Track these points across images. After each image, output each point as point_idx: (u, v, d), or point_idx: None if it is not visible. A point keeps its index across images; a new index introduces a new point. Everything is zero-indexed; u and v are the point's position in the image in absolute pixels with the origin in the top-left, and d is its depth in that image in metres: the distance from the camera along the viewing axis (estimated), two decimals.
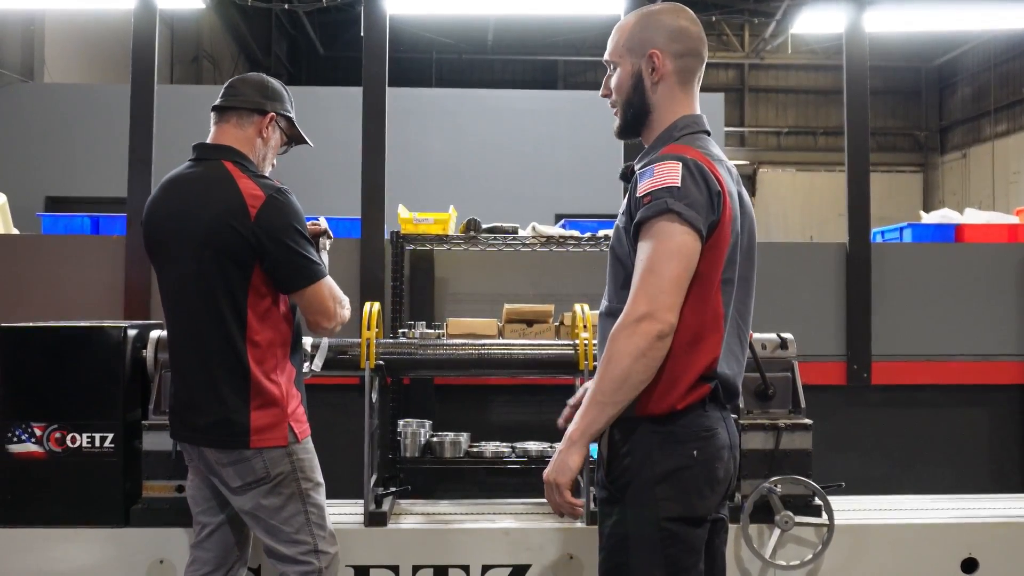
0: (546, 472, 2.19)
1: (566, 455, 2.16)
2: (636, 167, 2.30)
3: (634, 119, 2.36)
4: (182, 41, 14.57)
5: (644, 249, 2.12)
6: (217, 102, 2.95)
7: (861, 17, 4.62)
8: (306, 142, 3.10)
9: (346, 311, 2.91)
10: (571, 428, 2.17)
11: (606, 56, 2.40)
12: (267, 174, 2.96)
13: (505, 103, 11.16)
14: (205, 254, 2.75)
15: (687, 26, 2.33)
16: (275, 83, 3.01)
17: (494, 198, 10.35)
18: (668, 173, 2.13)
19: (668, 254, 2.09)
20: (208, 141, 2.92)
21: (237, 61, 16.97)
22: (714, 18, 15.96)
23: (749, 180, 20.24)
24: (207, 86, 14.43)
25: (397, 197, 4.46)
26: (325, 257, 3.03)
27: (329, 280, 2.84)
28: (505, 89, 13.92)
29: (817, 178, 20.33)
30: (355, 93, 4.62)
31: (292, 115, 3.03)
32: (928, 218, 5.02)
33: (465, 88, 14.52)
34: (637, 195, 2.16)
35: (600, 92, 2.43)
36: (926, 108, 20.79)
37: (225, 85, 2.98)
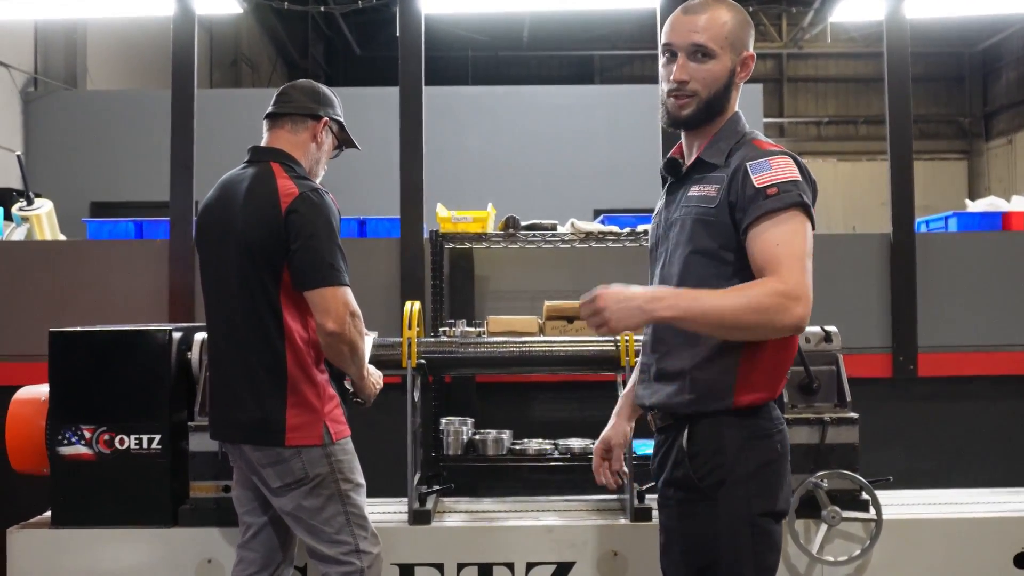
0: (606, 303, 2.05)
1: (636, 315, 2.06)
2: (713, 160, 2.24)
3: (710, 115, 2.28)
4: (221, 45, 14.72)
5: (785, 235, 2.09)
6: (270, 109, 2.99)
7: (901, 3, 4.54)
8: (355, 146, 3.13)
9: (359, 330, 2.81)
10: (658, 303, 2.06)
11: (700, 40, 2.22)
12: (320, 178, 3.01)
13: (541, 99, 11.14)
14: (242, 252, 2.79)
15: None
16: (325, 89, 3.06)
17: (532, 194, 10.34)
18: (786, 167, 2.16)
19: (808, 245, 2.11)
20: (261, 145, 2.97)
21: (275, 64, 17.11)
22: (752, 8, 15.83)
23: None
24: (246, 89, 14.59)
25: (435, 195, 4.47)
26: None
27: (348, 292, 2.78)
28: (541, 85, 13.89)
29: (859, 168, 20.07)
30: (392, 93, 4.64)
31: (343, 119, 3.07)
32: (974, 206, 4.93)
33: (501, 85, 14.50)
34: (757, 186, 2.13)
35: (675, 76, 2.24)
36: (970, 94, 20.43)
37: (277, 92, 3.02)
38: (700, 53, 2.23)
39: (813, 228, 2.15)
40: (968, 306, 4.47)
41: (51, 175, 9.59)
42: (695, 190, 2.25)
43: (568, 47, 19.02)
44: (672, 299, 2.08)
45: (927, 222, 4.91)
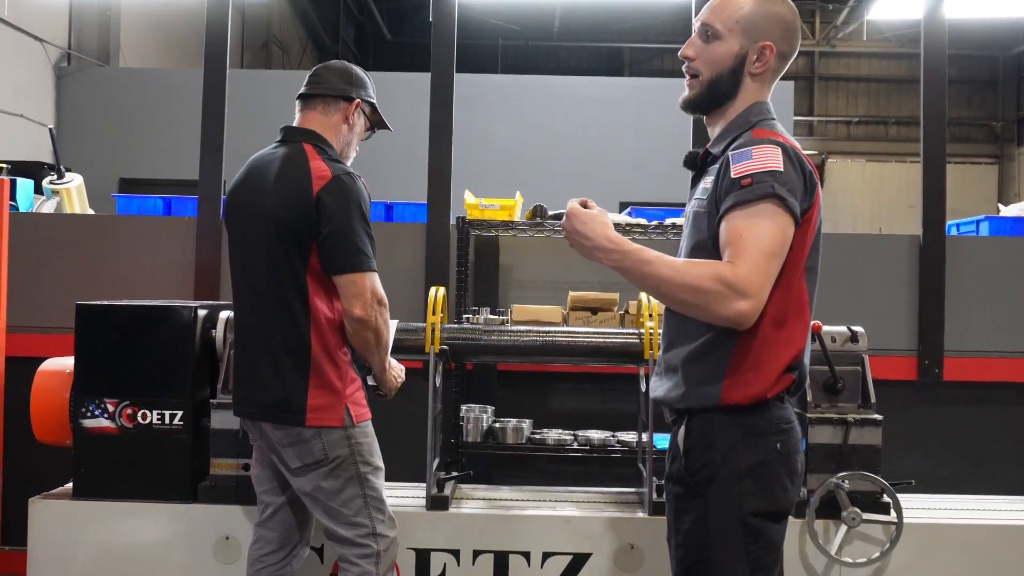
0: (569, 221, 2.15)
1: (587, 245, 2.12)
2: (716, 150, 2.23)
3: (713, 99, 2.25)
4: (252, 27, 14.76)
5: (751, 225, 2.03)
6: (302, 90, 2.99)
7: (941, 3, 4.48)
8: (388, 127, 3.13)
9: (385, 318, 2.82)
10: (611, 242, 2.11)
11: (708, 19, 2.23)
12: (351, 159, 3.01)
13: (570, 90, 11.11)
14: (272, 231, 2.80)
15: (799, 28, 2.28)
16: (358, 70, 3.05)
17: (558, 185, 10.31)
18: (769, 157, 2.08)
19: (775, 239, 2.03)
20: (293, 125, 2.97)
21: (305, 47, 17.14)
22: None
23: (817, 170, 19.88)
24: (276, 71, 14.64)
25: (461, 182, 4.46)
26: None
27: (376, 278, 2.79)
28: (570, 76, 13.84)
29: (888, 169, 19.90)
30: (420, 78, 4.64)
31: (375, 101, 3.06)
32: (1007, 211, 4.87)
33: (530, 74, 14.47)
34: (732, 176, 2.08)
35: (681, 51, 2.27)
36: (1003, 98, 20.20)
37: (310, 73, 3.02)
38: (708, 33, 2.23)
39: (796, 221, 2.06)
40: (996, 311, 4.42)
41: (82, 150, 9.67)
42: (702, 183, 2.24)
43: (599, 38, 18.96)
44: (620, 256, 2.10)
45: (958, 225, 4.86)
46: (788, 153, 2.09)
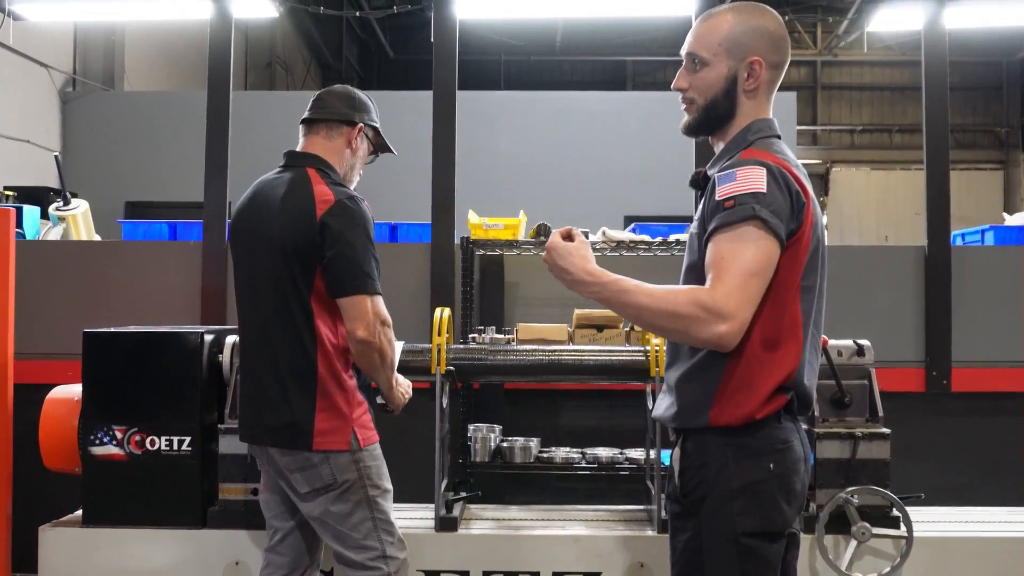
0: (549, 254, 2.16)
1: (567, 279, 2.13)
2: (710, 172, 2.24)
3: (712, 121, 2.27)
4: (256, 47, 14.84)
5: (733, 248, 2.03)
6: (306, 114, 3.02)
7: (941, 14, 4.49)
8: (391, 151, 3.15)
9: (390, 338, 2.83)
10: (591, 274, 2.11)
11: (691, 48, 2.25)
12: (355, 183, 3.02)
13: (574, 104, 11.13)
14: (277, 255, 2.81)
15: (785, 35, 2.27)
16: (361, 94, 3.07)
17: (563, 200, 10.34)
18: (753, 178, 2.07)
19: (757, 261, 2.02)
20: (296, 150, 2.99)
21: (309, 66, 17.22)
22: (787, 16, 15.73)
23: (822, 179, 19.87)
24: (280, 92, 14.70)
25: (465, 198, 4.46)
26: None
27: (380, 300, 2.80)
28: (573, 91, 13.88)
29: (892, 177, 19.86)
30: (424, 96, 4.65)
31: (378, 125, 3.08)
32: (1012, 220, 4.87)
33: (533, 89, 14.52)
34: (717, 198, 2.09)
35: (673, 84, 2.28)
36: (1007, 103, 20.17)
37: (313, 98, 3.04)
38: (695, 61, 2.25)
39: (781, 242, 2.05)
40: (1003, 321, 4.41)
41: (87, 174, 9.72)
42: (701, 204, 2.25)
43: (601, 52, 18.99)
44: (599, 287, 2.11)
45: (963, 235, 4.86)
46: (773, 173, 2.08)
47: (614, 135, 10.66)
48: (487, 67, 17.88)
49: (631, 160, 10.48)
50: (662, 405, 2.30)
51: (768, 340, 2.09)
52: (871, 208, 19.75)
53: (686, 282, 2.25)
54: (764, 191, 2.05)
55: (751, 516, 2.11)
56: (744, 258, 2.02)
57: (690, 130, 2.33)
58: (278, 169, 2.99)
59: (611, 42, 18.55)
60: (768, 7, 2.30)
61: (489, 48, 17.20)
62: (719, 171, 2.16)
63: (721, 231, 2.06)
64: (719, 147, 2.31)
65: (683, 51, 2.29)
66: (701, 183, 2.33)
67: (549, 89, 14.82)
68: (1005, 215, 5.15)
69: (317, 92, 3.08)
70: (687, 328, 2.02)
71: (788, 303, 2.12)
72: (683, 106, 2.30)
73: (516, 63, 18.81)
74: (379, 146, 3.13)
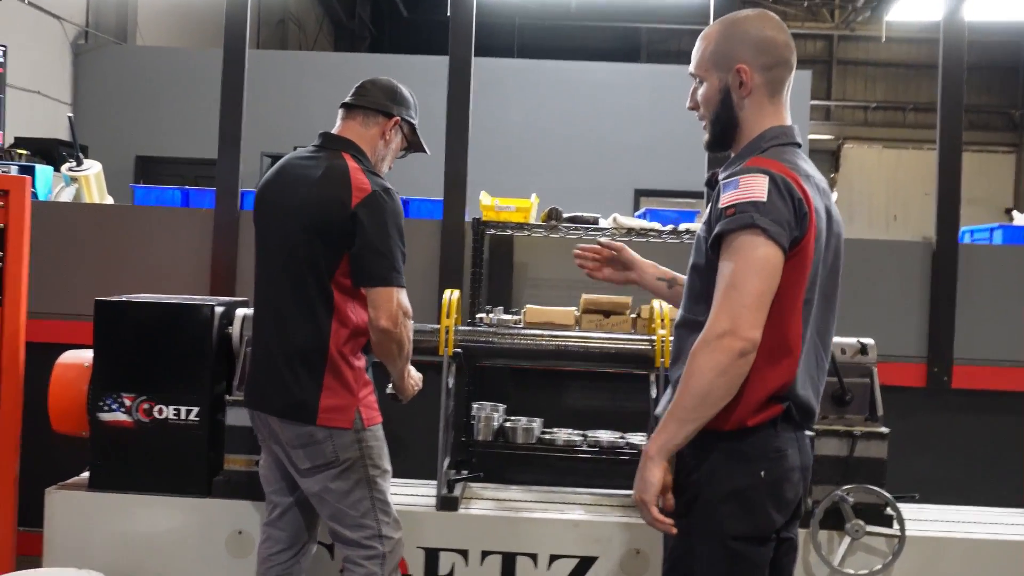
0: (634, 492, 2.18)
1: (645, 471, 2.14)
2: (720, 177, 2.27)
3: (723, 134, 2.32)
4: (268, 4, 14.74)
5: (727, 263, 2.09)
6: (347, 99, 3.05)
7: (960, 7, 4.44)
8: (424, 150, 3.19)
9: (409, 329, 2.90)
10: (648, 444, 2.16)
11: (691, 69, 2.35)
12: (384, 174, 3.05)
13: (587, 75, 11.08)
14: (305, 233, 2.85)
15: (773, 35, 2.27)
16: (404, 89, 3.10)
17: (573, 173, 10.34)
18: (754, 186, 2.10)
19: (752, 269, 2.06)
20: (333, 132, 3.02)
21: (321, 23, 17.10)
22: None
23: (833, 156, 19.78)
24: (293, 51, 14.62)
25: (476, 169, 4.45)
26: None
27: (404, 293, 2.86)
28: (586, 61, 13.80)
29: (904, 155, 19.76)
30: (436, 62, 4.63)
31: (415, 122, 3.11)
32: (1020, 219, 4.87)
33: (546, 56, 14.41)
34: (720, 206, 2.13)
35: (687, 104, 2.38)
36: (1023, 85, 20.01)
37: (357, 85, 3.08)
38: (696, 80, 2.35)
39: (785, 250, 2.07)
40: (1007, 320, 4.43)
41: (98, 128, 9.71)
42: (708, 208, 2.30)
43: (616, 18, 18.82)
44: (655, 435, 2.14)
45: (971, 232, 4.86)
46: (775, 182, 2.10)
47: (625, 108, 10.63)
48: (501, 30, 17.70)
49: (642, 133, 10.46)
50: (663, 402, 2.34)
51: (765, 351, 2.10)
52: (881, 186, 19.68)
53: (690, 280, 2.32)
54: (764, 200, 2.08)
55: (739, 520, 2.15)
56: (739, 269, 2.07)
57: (711, 147, 2.39)
58: (312, 148, 3.02)
59: (626, 8, 18.36)
60: (760, 10, 2.34)
61: (504, 11, 17.03)
62: (725, 178, 2.19)
63: (723, 239, 2.11)
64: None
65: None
66: (714, 185, 2.35)
67: (562, 55, 14.69)
68: (1015, 213, 5.15)
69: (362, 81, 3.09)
70: (725, 365, 2.05)
71: (785, 314, 2.14)
72: (703, 125, 2.38)
73: (530, 27, 18.65)
74: (413, 144, 3.16)
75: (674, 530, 2.17)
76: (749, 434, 2.16)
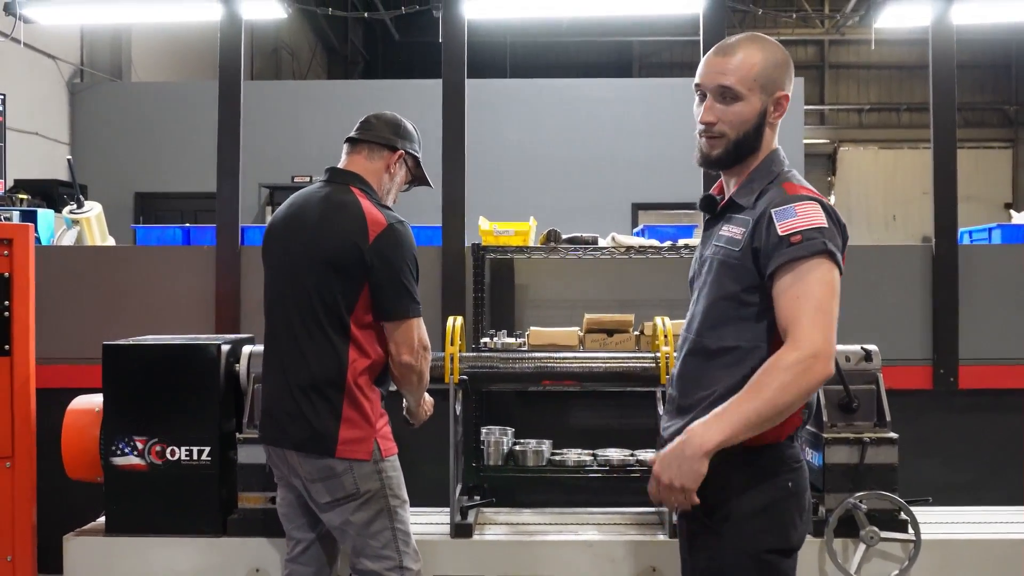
0: (670, 476, 2.10)
1: (697, 463, 2.07)
2: (743, 201, 2.26)
3: (738, 154, 2.28)
4: (261, 33, 14.82)
5: (806, 285, 2.10)
6: (352, 134, 3.10)
7: (948, 11, 4.47)
8: (428, 183, 3.23)
9: (428, 361, 2.98)
10: (702, 435, 2.08)
11: (725, 82, 2.23)
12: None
13: (581, 92, 11.12)
14: (324, 268, 2.88)
15: (792, 63, 2.33)
16: (408, 124, 3.15)
17: (570, 188, 10.37)
18: (812, 214, 2.16)
19: (833, 294, 2.12)
20: (339, 166, 3.06)
21: (315, 50, 17.19)
22: None
23: (830, 159, 19.82)
24: (287, 81, 14.69)
25: (473, 188, 4.48)
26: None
27: (422, 324, 2.93)
28: (580, 78, 13.87)
29: (901, 156, 19.79)
30: (429, 85, 4.65)
31: (419, 155, 3.15)
32: (1018, 218, 4.89)
33: (540, 74, 14.52)
34: (780, 233, 2.14)
35: (702, 117, 2.26)
36: (1016, 81, 20.05)
37: (361, 120, 3.12)
38: (727, 95, 2.24)
39: (841, 273, 2.14)
40: (1010, 318, 4.44)
41: (96, 166, 9.77)
42: (725, 230, 2.28)
43: (608, 33, 18.90)
44: (714, 429, 2.08)
45: (970, 232, 4.88)
46: (827, 209, 2.18)
47: (620, 123, 10.67)
48: (492, 49, 17.80)
49: (638, 148, 10.49)
50: (676, 425, 2.28)
51: None
52: (879, 188, 19.70)
53: (714, 310, 2.26)
54: (826, 225, 2.15)
55: (770, 534, 2.19)
56: (820, 293, 2.10)
57: (714, 163, 2.31)
58: (320, 183, 3.06)
59: (618, 23, 18.44)
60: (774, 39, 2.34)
61: (495, 30, 17.13)
62: (774, 207, 2.18)
63: (791, 267, 2.12)
64: (733, 178, 2.34)
65: (710, 83, 2.26)
66: (711, 207, 2.37)
67: (554, 72, 14.80)
68: (1013, 212, 5.17)
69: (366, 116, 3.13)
70: (801, 386, 2.06)
71: None
72: (704, 139, 2.29)
73: (522, 44, 18.73)
74: (417, 177, 3.20)
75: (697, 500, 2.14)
76: (773, 448, 2.20)
